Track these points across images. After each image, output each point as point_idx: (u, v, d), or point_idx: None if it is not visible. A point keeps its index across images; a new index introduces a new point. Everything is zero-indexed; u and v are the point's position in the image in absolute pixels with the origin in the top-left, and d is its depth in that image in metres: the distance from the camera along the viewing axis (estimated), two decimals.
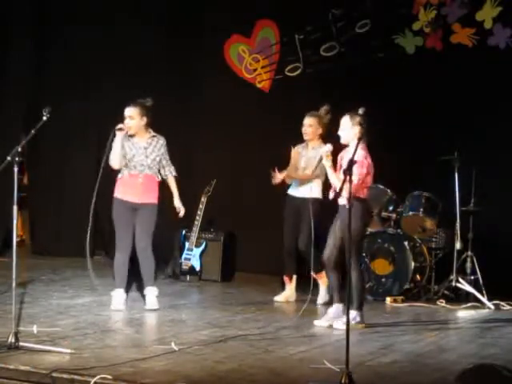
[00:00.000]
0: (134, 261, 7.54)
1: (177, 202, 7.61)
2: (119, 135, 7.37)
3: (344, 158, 6.94)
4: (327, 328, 6.89)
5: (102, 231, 10.92)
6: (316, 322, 7.03)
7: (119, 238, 7.47)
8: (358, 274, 6.96)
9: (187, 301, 8.20)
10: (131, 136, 7.45)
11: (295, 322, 7.17)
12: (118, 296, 7.47)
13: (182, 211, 7.63)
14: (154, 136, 7.50)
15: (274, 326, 6.86)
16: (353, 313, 6.72)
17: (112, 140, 7.37)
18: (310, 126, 8.07)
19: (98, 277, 9.13)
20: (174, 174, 7.61)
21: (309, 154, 8.15)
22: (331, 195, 6.94)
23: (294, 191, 8.23)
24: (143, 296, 7.60)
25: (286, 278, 8.38)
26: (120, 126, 7.36)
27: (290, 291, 8.32)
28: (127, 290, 7.65)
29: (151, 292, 7.49)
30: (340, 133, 7.01)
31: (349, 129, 6.92)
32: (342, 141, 7.00)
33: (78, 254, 10.66)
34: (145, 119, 7.43)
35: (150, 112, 7.47)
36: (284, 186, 8.28)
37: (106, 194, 10.80)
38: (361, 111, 6.65)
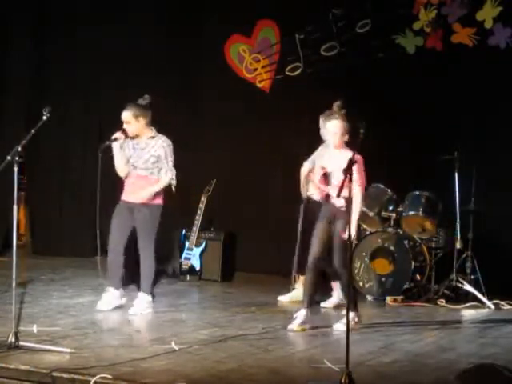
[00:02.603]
0: (136, 261, 7.53)
1: (145, 192, 7.16)
2: (116, 145, 7.15)
3: (326, 163, 6.77)
4: (327, 328, 6.86)
5: (101, 231, 10.93)
6: (289, 327, 6.73)
7: (111, 237, 7.32)
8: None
9: (187, 300, 8.19)
10: (135, 137, 7.23)
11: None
12: (106, 296, 7.34)
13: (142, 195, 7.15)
14: (153, 137, 7.22)
15: (274, 326, 6.85)
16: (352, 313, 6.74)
17: (106, 147, 7.12)
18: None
19: (98, 277, 9.20)
20: (169, 177, 7.19)
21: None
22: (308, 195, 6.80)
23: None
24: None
25: (295, 276, 8.24)
26: (115, 136, 7.13)
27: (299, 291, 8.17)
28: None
29: (139, 297, 7.28)
30: (330, 137, 6.84)
31: (341, 135, 6.77)
32: (331, 145, 6.83)
33: (77, 253, 10.72)
34: (142, 119, 7.13)
35: (148, 110, 7.18)
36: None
37: (105, 195, 10.94)
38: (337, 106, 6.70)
